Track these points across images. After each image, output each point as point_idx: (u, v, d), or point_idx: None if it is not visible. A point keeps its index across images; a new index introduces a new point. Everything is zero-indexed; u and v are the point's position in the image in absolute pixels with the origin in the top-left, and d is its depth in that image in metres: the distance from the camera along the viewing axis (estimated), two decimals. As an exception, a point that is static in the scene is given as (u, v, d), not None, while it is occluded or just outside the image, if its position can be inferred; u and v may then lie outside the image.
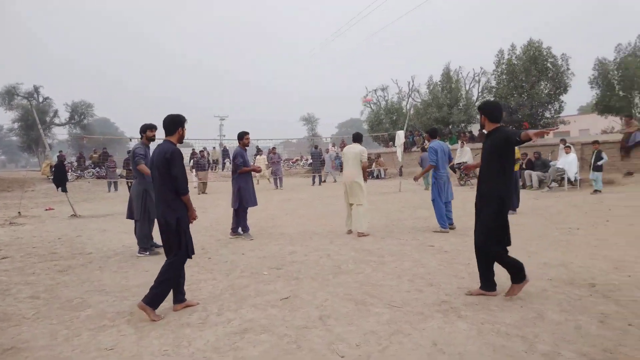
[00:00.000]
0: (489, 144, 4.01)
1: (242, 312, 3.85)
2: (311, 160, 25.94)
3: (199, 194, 17.46)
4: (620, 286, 4.21)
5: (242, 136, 7.46)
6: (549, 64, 20.52)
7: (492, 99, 22.51)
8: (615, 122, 29.44)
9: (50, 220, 10.45)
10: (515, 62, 21.00)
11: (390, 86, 42.20)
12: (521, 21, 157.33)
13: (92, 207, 13.27)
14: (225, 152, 32.95)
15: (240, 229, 7.50)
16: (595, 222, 7.88)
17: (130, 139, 18.88)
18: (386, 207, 11.28)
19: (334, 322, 3.56)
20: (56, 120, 47.98)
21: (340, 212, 10.37)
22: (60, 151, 25.32)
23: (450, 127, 27.01)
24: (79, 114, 50.16)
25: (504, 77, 21.68)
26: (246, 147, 7.57)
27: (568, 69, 20.57)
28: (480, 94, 31.54)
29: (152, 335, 3.37)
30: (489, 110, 4.03)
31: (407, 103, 37.50)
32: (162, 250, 6.38)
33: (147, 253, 6.23)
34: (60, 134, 50.05)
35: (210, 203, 13.86)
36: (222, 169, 32.83)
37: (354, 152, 7.42)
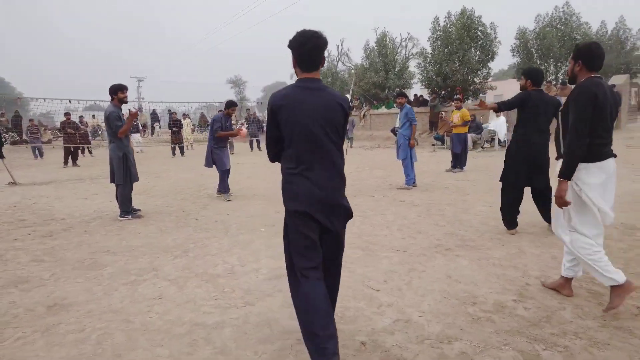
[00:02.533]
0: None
1: (263, 262, 4.11)
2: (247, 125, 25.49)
3: None
4: (574, 225, 5.01)
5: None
6: (479, 33, 21.85)
7: (427, 65, 23.59)
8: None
9: (-12, 188, 9.63)
10: (451, 30, 22.07)
11: None
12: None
13: (24, 175, 12.28)
14: (154, 116, 31.45)
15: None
16: (532, 176, 8.92)
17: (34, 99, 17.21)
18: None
19: (353, 266, 3.94)
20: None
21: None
22: (16, 111, 22.76)
23: (386, 91, 27.95)
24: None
25: (439, 43, 22.74)
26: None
27: (496, 37, 22.06)
28: (407, 59, 32.61)
29: (190, 286, 3.54)
30: (535, 75, 4.71)
31: (336, 67, 37.97)
32: (143, 213, 6.38)
33: (130, 217, 6.13)
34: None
35: (158, 168, 13.45)
36: (152, 134, 31.46)
37: None
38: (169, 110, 23.71)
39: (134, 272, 3.88)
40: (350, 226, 5.38)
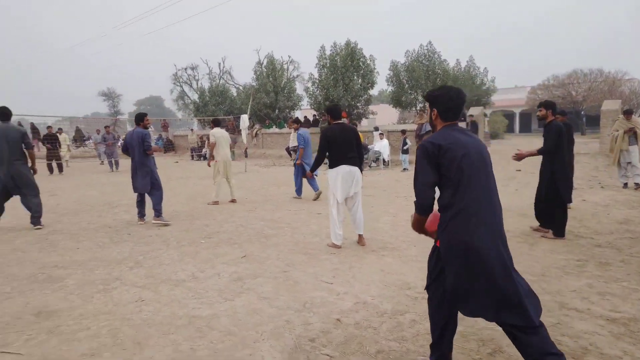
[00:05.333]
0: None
1: (220, 268, 4.55)
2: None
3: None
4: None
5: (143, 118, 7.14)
6: (361, 63, 24.29)
7: (315, 89, 25.31)
8: (397, 113, 36.93)
9: None
10: (336, 59, 24.14)
11: (200, 66, 42.75)
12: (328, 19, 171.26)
13: None
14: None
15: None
16: (417, 192, 10.49)
17: None
18: (249, 185, 12.25)
19: (301, 267, 4.61)
20: None
21: (202, 192, 10.90)
22: None
23: (277, 112, 29.07)
24: None
25: (325, 70, 24.66)
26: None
27: (374, 68, 24.72)
28: (291, 82, 34.19)
29: (163, 289, 3.86)
30: (555, 106, 5.71)
31: (218, 84, 38.35)
32: (67, 231, 6.19)
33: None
34: None
35: (45, 186, 12.42)
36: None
37: (226, 136, 9.05)
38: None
39: (99, 282, 4.03)
40: (283, 236, 6.05)
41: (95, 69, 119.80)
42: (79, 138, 30.10)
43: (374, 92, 30.51)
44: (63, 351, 2.74)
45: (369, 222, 6.89)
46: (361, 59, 24.55)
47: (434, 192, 2.38)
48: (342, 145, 5.33)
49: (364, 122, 28.78)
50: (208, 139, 25.42)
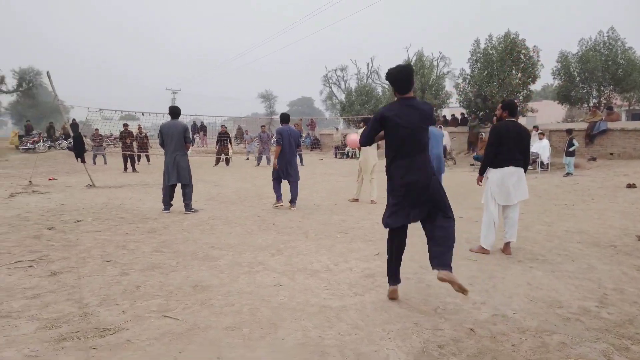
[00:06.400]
0: None
1: (353, 263, 4.62)
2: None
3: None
4: (636, 246, 5.32)
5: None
6: (521, 56, 22.11)
7: (467, 86, 23.92)
8: (563, 110, 32.54)
9: (70, 189, 10.54)
10: (491, 52, 22.43)
11: (349, 67, 43.96)
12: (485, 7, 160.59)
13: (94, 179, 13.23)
14: (194, 128, 32.60)
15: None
16: (582, 199, 9.16)
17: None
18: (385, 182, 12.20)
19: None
20: (2, 87, 45.31)
21: (343, 188, 11.18)
22: (74, 119, 24.18)
23: (423, 110, 28.36)
24: (27, 81, 47.94)
25: (479, 65, 23.10)
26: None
27: (538, 60, 22.23)
28: (440, 79, 32.89)
29: (299, 278, 4.09)
30: None
31: (365, 84, 38.85)
32: (224, 217, 7.01)
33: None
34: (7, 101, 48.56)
35: (212, 177, 14.22)
36: (192, 145, 32.72)
37: None
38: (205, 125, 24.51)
39: (245, 265, 4.46)
40: (418, 237, 5.84)
41: (257, 73, 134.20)
42: (240, 136, 33.92)
43: (536, 87, 27.31)
44: (211, 322, 3.09)
45: (519, 231, 6.27)
46: (522, 51, 22.35)
47: (372, 141, 3.58)
48: (512, 144, 4.93)
49: (521, 120, 26.07)
50: (353, 137, 26.37)
